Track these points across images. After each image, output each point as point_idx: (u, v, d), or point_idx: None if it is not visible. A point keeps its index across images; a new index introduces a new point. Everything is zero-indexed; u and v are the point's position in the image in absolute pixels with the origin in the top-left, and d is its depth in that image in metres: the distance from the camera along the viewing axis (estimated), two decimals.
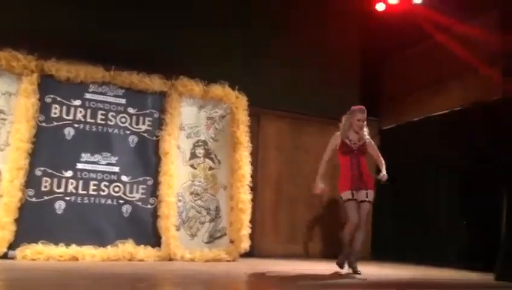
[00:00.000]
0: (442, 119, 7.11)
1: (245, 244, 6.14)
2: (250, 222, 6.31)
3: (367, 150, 5.04)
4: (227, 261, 6.01)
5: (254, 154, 6.73)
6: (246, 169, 6.40)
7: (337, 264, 4.92)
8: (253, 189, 6.54)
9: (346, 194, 4.82)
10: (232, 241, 6.24)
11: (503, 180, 5.34)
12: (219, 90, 6.58)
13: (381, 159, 5.14)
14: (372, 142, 5.18)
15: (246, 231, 6.18)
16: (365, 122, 5.05)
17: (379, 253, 7.83)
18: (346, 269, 4.87)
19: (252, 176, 6.47)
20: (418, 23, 7.29)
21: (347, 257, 4.92)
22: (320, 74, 7.82)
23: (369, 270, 5.44)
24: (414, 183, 7.44)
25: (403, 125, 7.90)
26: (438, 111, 7.20)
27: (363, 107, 5.08)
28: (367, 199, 4.83)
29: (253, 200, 6.42)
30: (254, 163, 6.66)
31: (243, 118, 6.60)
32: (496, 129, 5.78)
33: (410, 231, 7.38)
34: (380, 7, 7.99)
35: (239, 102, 6.64)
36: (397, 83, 8.17)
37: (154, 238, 5.87)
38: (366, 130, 5.07)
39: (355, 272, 4.78)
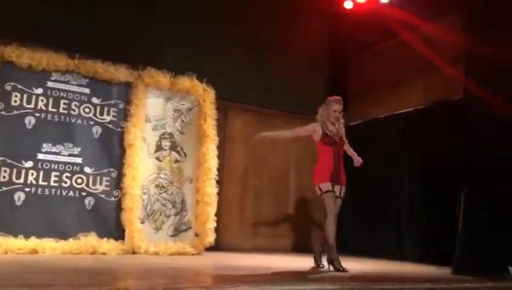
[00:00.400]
0: (406, 117, 7.29)
1: (210, 238, 6.13)
2: (216, 215, 6.30)
3: (345, 141, 4.98)
4: (192, 254, 5.99)
5: (221, 147, 6.71)
6: (212, 162, 6.37)
7: (329, 262, 4.72)
8: (219, 182, 6.53)
9: (326, 185, 4.70)
10: (197, 235, 6.22)
11: (462, 177, 5.52)
12: (187, 82, 6.51)
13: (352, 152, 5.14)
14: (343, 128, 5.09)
15: (212, 224, 6.17)
16: (341, 114, 4.96)
17: (339, 247, 7.95)
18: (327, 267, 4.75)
19: (218, 170, 6.46)
20: (385, 22, 7.43)
21: (320, 254, 4.91)
22: (289, 69, 7.85)
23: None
24: (377, 179, 7.60)
25: (369, 122, 8.05)
26: (402, 109, 7.36)
27: (339, 98, 4.97)
28: (340, 196, 4.79)
29: (219, 193, 6.41)
30: (220, 156, 6.65)
31: (210, 111, 6.56)
32: (457, 128, 5.96)
33: (371, 226, 7.55)
34: (348, 5, 8.10)
35: (206, 95, 6.59)
36: (364, 80, 8.30)
37: (117, 231, 5.78)
38: (342, 122, 5.00)
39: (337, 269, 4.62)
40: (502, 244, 4.86)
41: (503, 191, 4.89)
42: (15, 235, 5.20)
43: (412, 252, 6.72)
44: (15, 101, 5.55)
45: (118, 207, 5.86)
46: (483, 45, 5.10)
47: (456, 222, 5.36)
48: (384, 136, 7.67)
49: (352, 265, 5.19)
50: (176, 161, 6.41)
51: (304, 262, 5.31)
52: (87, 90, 5.98)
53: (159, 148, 6.33)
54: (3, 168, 5.36)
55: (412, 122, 7.16)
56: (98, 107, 6.02)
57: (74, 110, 5.86)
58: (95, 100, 6.01)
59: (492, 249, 4.88)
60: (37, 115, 5.65)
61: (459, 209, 5.17)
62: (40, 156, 5.59)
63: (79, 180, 5.76)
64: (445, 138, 6.49)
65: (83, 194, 5.75)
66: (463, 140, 5.48)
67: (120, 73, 6.11)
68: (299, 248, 7.68)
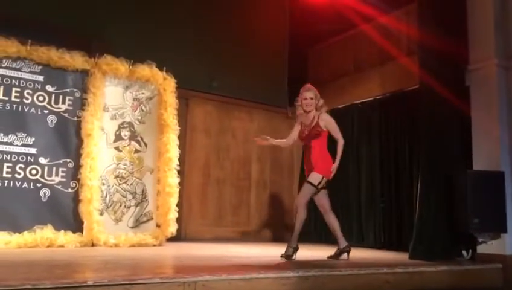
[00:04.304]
0: (364, 106, 7.42)
1: (172, 228, 6.07)
2: (178, 205, 6.23)
3: (321, 132, 4.72)
4: (154, 245, 5.91)
5: (182, 137, 6.62)
6: (173, 152, 6.28)
7: (341, 251, 4.76)
8: (181, 172, 6.45)
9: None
10: (158, 226, 6.13)
11: (418, 166, 5.70)
12: (146, 70, 6.37)
13: (339, 138, 4.80)
14: (328, 118, 4.81)
15: (173, 214, 6.10)
16: (316, 101, 4.75)
17: (303, 236, 8.04)
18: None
19: (179, 160, 6.38)
20: (343, 13, 7.51)
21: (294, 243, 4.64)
22: (249, 59, 7.84)
23: None
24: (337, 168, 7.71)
25: (329, 111, 8.12)
26: (360, 99, 7.49)
27: (309, 85, 4.87)
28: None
29: (180, 183, 6.34)
30: (182, 146, 6.57)
31: (171, 100, 6.45)
32: (413, 117, 6.13)
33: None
34: None
35: (167, 84, 6.47)
36: (322, 69, 8.37)
37: (75, 224, 5.63)
38: (323, 111, 4.78)
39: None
40: (456, 229, 5.06)
41: (456, 178, 5.09)
42: None
43: (371, 239, 6.89)
44: None
45: (76, 199, 5.70)
46: (435, 37, 5.27)
47: (414, 208, 5.54)
48: (343, 126, 7.76)
49: (314, 253, 5.27)
50: (136, 151, 6.28)
51: (265, 251, 5.34)
52: (40, 78, 5.75)
53: (118, 138, 6.19)
54: None
55: (370, 111, 7.30)
56: (53, 96, 5.80)
57: (27, 99, 5.63)
58: (49, 88, 5.79)
59: (447, 233, 5.07)
60: None
61: (417, 196, 5.33)
62: None
63: (33, 171, 5.55)
64: (402, 126, 6.67)
65: (38, 185, 5.55)
66: (418, 127, 5.64)
67: (76, 60, 5.90)
68: (261, 237, 7.73)
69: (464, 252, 5.14)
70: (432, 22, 5.38)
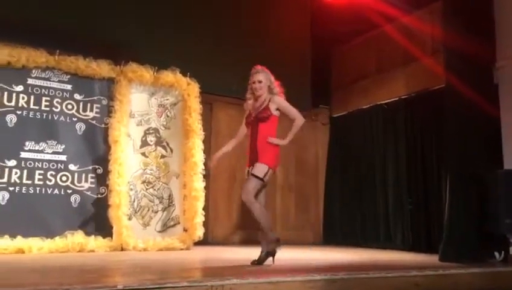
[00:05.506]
0: (390, 107, 7.34)
1: (199, 232, 6.12)
2: (204, 209, 6.28)
3: (270, 116, 4.17)
4: (181, 249, 5.98)
5: (207, 142, 6.67)
6: (198, 157, 6.34)
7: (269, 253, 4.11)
8: (206, 177, 6.50)
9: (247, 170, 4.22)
10: (185, 230, 6.20)
11: (446, 165, 5.59)
12: (170, 76, 6.46)
13: (297, 117, 4.23)
14: (281, 101, 4.24)
15: (200, 218, 6.15)
16: (268, 83, 4.28)
17: (329, 238, 8.04)
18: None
19: (204, 164, 6.43)
20: (365, 13, 7.45)
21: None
22: (272, 61, 7.75)
23: (320, 255, 5.59)
24: (363, 169, 7.66)
25: (353, 112, 8.09)
26: (385, 99, 7.42)
27: (258, 66, 4.39)
28: (252, 172, 4.12)
29: (206, 188, 6.38)
30: (207, 151, 6.62)
31: (195, 105, 6.52)
32: (440, 116, 6.02)
33: (359, 216, 7.62)
34: None
35: (191, 89, 6.55)
36: (346, 71, 8.34)
37: (105, 228, 5.74)
38: (273, 94, 4.25)
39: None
40: (487, 229, 4.94)
41: (486, 177, 4.97)
42: (0, 236, 5.12)
43: (399, 240, 6.80)
44: None
45: (105, 204, 5.80)
46: (460, 36, 5.16)
47: (442, 209, 5.44)
48: (368, 127, 7.73)
49: (340, 255, 5.23)
50: (162, 156, 6.37)
51: (291, 254, 5.33)
52: (69, 87, 5.90)
53: (144, 143, 6.29)
54: None
55: (395, 112, 7.22)
56: (81, 104, 5.94)
57: (56, 107, 5.78)
58: (77, 96, 5.93)
59: (478, 235, 4.95)
60: (19, 112, 5.56)
61: (445, 196, 5.23)
62: (23, 155, 5.50)
63: (64, 178, 5.69)
64: (429, 126, 6.57)
65: (69, 191, 5.69)
66: (445, 127, 5.54)
67: (102, 69, 6.04)
68: (287, 240, 7.71)
69: (496, 254, 5.00)
70: (457, 22, 5.28)
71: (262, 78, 4.30)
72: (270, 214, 4.40)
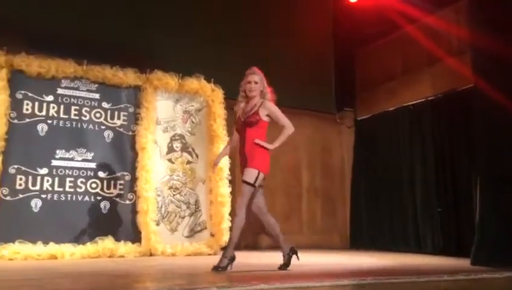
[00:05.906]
0: (416, 108, 7.25)
1: (226, 237, 6.14)
2: (230, 215, 6.31)
3: (259, 120, 4.12)
4: (209, 254, 6.02)
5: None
6: (224, 162, 6.38)
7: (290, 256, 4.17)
8: (232, 182, 6.53)
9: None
10: (212, 235, 6.25)
11: (475, 167, 5.48)
12: (194, 83, 6.54)
13: (286, 125, 4.20)
14: (272, 107, 4.18)
15: (226, 224, 6.19)
16: (261, 86, 4.20)
17: (357, 242, 7.96)
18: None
19: (230, 169, 6.46)
20: (389, 14, 7.39)
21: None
22: (296, 65, 7.84)
23: (348, 259, 5.54)
24: (390, 172, 7.57)
25: (379, 115, 8.02)
26: (411, 100, 7.33)
27: (255, 68, 4.32)
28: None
29: (232, 193, 6.41)
30: (232, 156, 6.65)
31: (220, 111, 6.58)
32: (468, 117, 5.92)
33: (387, 220, 7.52)
34: None
35: (215, 95, 6.61)
36: (370, 73, 8.28)
37: (134, 234, 5.84)
38: (267, 95, 4.19)
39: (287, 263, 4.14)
40: None
41: None
42: (34, 242, 5.27)
43: (429, 244, 6.68)
44: (27, 109, 5.62)
45: (133, 210, 5.91)
46: (488, 37, 5.06)
47: (473, 212, 5.33)
48: (394, 129, 7.64)
49: (369, 259, 5.18)
50: (188, 162, 6.44)
51: (318, 259, 5.31)
52: (97, 96, 6.04)
53: (170, 150, 6.37)
54: (18, 176, 5.43)
55: (422, 113, 7.12)
56: (109, 112, 6.07)
57: (85, 116, 5.92)
58: (105, 105, 6.06)
59: (510, 237, 4.83)
60: (49, 122, 5.71)
61: (475, 199, 5.13)
62: (54, 163, 5.65)
63: (94, 185, 5.82)
64: (456, 127, 6.46)
65: (98, 198, 5.81)
66: (474, 129, 5.44)
67: (128, 77, 6.16)
68: (314, 245, 7.68)
69: None
70: (484, 20, 5.18)
71: (258, 80, 4.25)
72: (277, 221, 4.49)
